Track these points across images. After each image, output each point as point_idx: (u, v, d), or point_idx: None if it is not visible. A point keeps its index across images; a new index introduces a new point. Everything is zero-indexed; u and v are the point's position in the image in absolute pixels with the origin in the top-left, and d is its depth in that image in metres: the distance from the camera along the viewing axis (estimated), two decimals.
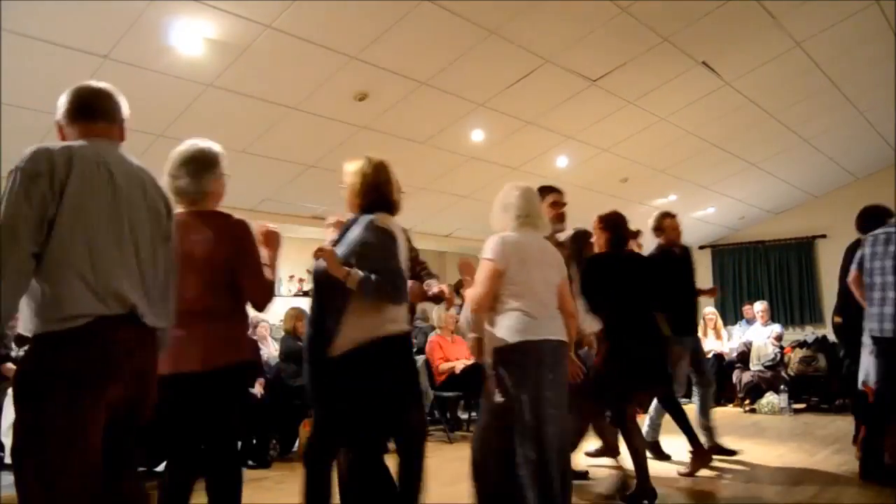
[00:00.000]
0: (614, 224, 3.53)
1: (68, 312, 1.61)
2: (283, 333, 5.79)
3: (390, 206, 2.61)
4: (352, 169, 2.68)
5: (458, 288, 3.80)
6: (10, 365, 4.49)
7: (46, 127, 4.51)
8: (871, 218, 3.98)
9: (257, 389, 5.13)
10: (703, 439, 4.06)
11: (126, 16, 3.64)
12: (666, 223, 4.42)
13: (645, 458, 3.31)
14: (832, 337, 7.59)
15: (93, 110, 1.86)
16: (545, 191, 3.45)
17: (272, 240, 2.49)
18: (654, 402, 4.26)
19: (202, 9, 3.69)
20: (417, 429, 2.76)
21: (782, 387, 7.02)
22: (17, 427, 1.62)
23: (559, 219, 3.52)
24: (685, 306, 4.32)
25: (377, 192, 2.60)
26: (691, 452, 3.90)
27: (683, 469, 3.93)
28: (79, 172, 1.66)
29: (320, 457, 2.50)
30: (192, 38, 3.91)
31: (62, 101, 1.88)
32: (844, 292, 4.12)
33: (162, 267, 1.89)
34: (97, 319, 1.64)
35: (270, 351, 6.13)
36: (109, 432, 1.70)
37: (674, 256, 4.40)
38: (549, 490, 2.40)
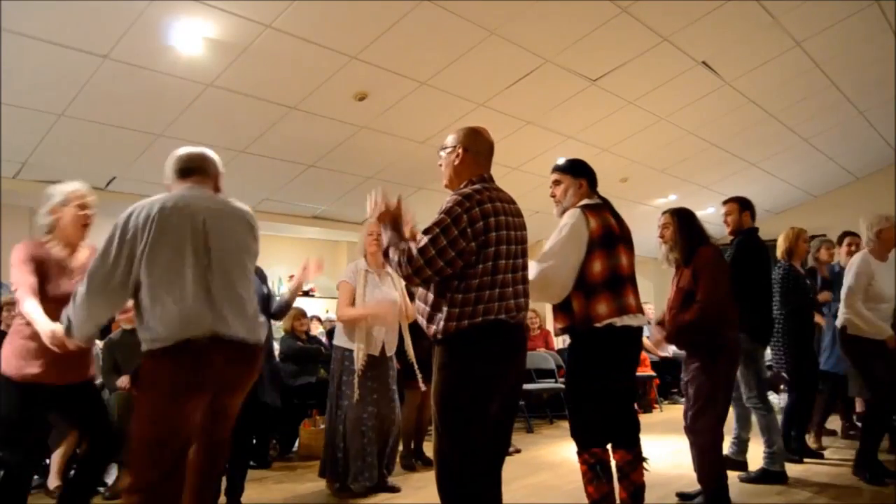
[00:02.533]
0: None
1: (158, 335, 2.01)
2: (282, 333, 5.79)
3: None
4: None
5: None
6: None
7: (46, 127, 4.54)
8: None
9: None
10: None
11: (126, 16, 3.64)
12: None
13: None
14: None
15: (189, 170, 2.30)
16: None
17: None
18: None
19: (202, 8, 3.69)
20: None
21: (782, 387, 7.02)
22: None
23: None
24: None
25: None
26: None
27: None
28: (161, 222, 2.05)
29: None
30: (192, 37, 3.92)
31: (170, 169, 2.32)
32: None
33: (254, 288, 2.29)
34: (182, 341, 1.99)
35: None
36: (207, 431, 2.13)
37: None
38: None
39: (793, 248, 4.51)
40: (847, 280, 3.95)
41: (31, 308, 2.44)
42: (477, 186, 2.23)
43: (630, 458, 2.70)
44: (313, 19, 3.96)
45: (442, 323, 2.13)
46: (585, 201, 2.82)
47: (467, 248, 2.10)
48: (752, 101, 6.15)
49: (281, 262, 7.60)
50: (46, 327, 2.35)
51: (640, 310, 2.73)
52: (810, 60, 5.57)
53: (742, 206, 4.21)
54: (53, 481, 3.85)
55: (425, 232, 2.12)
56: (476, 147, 2.31)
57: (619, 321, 2.62)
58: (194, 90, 4.44)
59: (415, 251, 2.10)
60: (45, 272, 2.57)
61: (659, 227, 3.49)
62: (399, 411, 4.02)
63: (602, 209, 2.79)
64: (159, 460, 1.98)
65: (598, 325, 2.62)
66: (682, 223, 3.45)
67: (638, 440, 2.76)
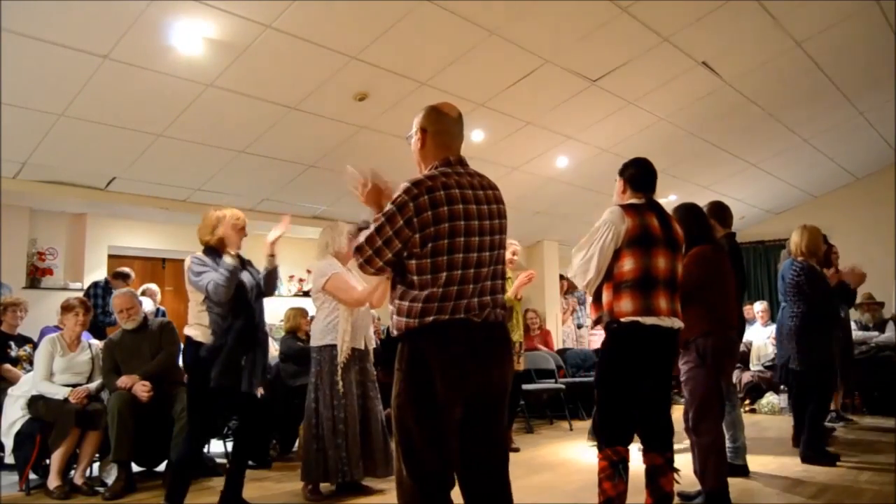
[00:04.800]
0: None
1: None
2: (282, 333, 5.79)
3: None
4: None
5: None
6: (9, 366, 4.48)
7: (46, 127, 4.54)
8: None
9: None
10: None
11: (126, 16, 3.64)
12: None
13: None
14: None
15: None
16: None
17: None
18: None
19: (202, 9, 3.69)
20: None
21: (782, 387, 7.02)
22: None
23: None
24: None
25: None
26: None
27: None
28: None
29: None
30: (192, 38, 3.91)
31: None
32: None
33: None
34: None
35: (271, 351, 6.12)
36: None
37: None
38: None
39: (813, 248, 4.52)
40: None
41: None
42: (433, 172, 2.04)
43: (660, 463, 2.68)
44: (313, 19, 3.96)
45: (400, 319, 2.00)
46: (632, 201, 2.86)
47: (413, 238, 1.96)
48: (752, 101, 6.14)
49: (280, 262, 7.57)
50: None
51: (673, 314, 2.71)
52: (810, 60, 5.56)
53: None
54: (53, 481, 3.85)
55: (374, 222, 2.01)
56: (435, 126, 2.11)
57: (646, 320, 2.62)
58: (194, 90, 4.44)
59: (363, 240, 2.00)
60: None
61: None
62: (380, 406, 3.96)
63: (645, 210, 2.80)
64: None
65: (623, 320, 2.64)
66: (684, 218, 3.45)
67: (670, 445, 2.73)
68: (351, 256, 3.89)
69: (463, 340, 1.99)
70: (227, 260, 3.31)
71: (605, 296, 2.73)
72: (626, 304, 2.65)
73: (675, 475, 2.74)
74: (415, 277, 1.98)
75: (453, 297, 1.97)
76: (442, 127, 2.13)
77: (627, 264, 2.68)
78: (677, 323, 2.73)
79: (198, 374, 3.36)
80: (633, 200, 2.86)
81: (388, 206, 1.99)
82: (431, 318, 1.95)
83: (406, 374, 2.04)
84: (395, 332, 2.06)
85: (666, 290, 2.71)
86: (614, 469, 2.61)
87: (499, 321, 2.08)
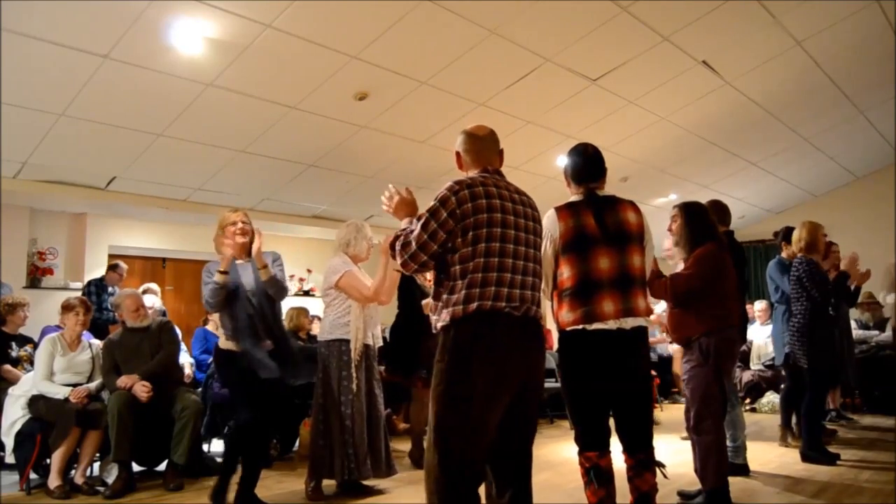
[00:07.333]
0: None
1: None
2: None
3: None
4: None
5: None
6: (9, 367, 4.48)
7: (46, 127, 4.54)
8: None
9: None
10: None
11: (126, 16, 3.64)
12: None
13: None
14: None
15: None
16: None
17: None
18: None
19: (202, 8, 3.69)
20: None
21: (782, 386, 7.02)
22: None
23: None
24: None
25: None
26: None
27: None
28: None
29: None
30: (192, 37, 3.92)
31: None
32: None
33: None
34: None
35: None
36: None
37: None
38: None
39: (813, 243, 4.52)
40: None
41: None
42: (473, 174, 2.29)
43: (632, 464, 2.63)
44: (313, 19, 3.96)
45: (447, 309, 2.10)
46: (571, 199, 2.72)
47: (455, 228, 2.12)
48: (752, 101, 6.15)
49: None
50: None
51: (626, 314, 2.55)
52: (810, 60, 5.57)
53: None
54: (54, 481, 3.85)
55: (417, 219, 2.20)
56: (465, 147, 2.37)
57: (590, 327, 2.52)
58: (194, 90, 4.44)
59: (410, 237, 2.16)
60: None
61: (670, 219, 3.52)
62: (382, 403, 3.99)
63: (581, 208, 2.64)
64: None
65: (567, 329, 2.58)
66: (689, 217, 3.43)
67: (641, 446, 2.65)
68: (366, 260, 3.95)
69: (504, 331, 2.10)
70: (216, 277, 3.35)
71: (554, 304, 2.66)
72: (567, 313, 2.57)
73: (660, 469, 2.71)
74: (457, 267, 2.11)
75: (493, 282, 2.10)
76: (470, 146, 2.37)
77: (565, 272, 2.58)
78: (630, 322, 2.56)
79: (228, 371, 3.44)
80: (573, 198, 2.72)
81: (432, 203, 2.15)
82: (475, 305, 2.06)
83: (448, 365, 2.09)
84: (438, 326, 2.15)
85: (614, 290, 2.54)
86: (588, 476, 2.58)
87: (538, 317, 2.24)
